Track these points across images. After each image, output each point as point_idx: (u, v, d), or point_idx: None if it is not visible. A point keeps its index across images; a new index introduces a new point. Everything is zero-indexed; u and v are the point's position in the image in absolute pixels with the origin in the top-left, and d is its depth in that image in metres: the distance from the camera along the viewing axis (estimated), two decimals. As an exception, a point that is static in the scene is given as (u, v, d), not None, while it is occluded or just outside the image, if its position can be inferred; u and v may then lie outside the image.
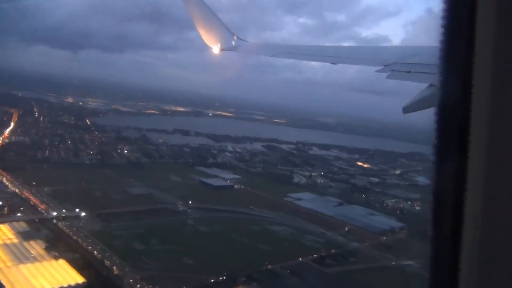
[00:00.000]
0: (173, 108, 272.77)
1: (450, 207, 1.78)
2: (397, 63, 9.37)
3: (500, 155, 1.61)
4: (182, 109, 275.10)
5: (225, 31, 14.63)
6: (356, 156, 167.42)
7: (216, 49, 13.78)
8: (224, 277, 54.48)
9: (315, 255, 66.32)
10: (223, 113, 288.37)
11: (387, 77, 8.90)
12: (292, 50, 14.07)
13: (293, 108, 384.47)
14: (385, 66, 9.35)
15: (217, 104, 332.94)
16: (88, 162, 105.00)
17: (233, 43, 14.34)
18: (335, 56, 12.40)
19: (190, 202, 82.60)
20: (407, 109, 7.67)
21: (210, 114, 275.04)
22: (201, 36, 14.18)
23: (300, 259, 64.68)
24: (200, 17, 14.82)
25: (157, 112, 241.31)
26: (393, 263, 67.15)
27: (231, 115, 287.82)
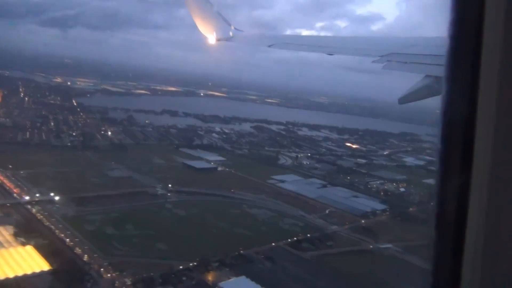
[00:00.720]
0: (164, 88, 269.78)
1: (454, 209, 1.82)
2: (393, 54, 9.51)
3: (506, 155, 1.62)
4: (173, 89, 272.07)
5: (222, 21, 14.57)
6: (346, 137, 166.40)
7: (212, 39, 13.74)
8: (195, 263, 53.72)
9: (292, 239, 65.69)
10: (215, 93, 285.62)
11: (384, 67, 9.08)
12: (288, 41, 14.21)
13: (288, 87, 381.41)
14: (381, 56, 9.51)
15: (210, 84, 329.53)
16: (69, 144, 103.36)
17: (230, 33, 14.30)
18: (331, 46, 12.67)
19: (170, 185, 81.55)
20: (403, 100, 7.82)
21: (202, 94, 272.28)
22: (197, 26, 14.18)
23: (276, 243, 64.04)
24: (197, 7, 14.95)
25: (147, 92, 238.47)
26: (370, 246, 66.62)
27: (223, 95, 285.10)
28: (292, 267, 57.19)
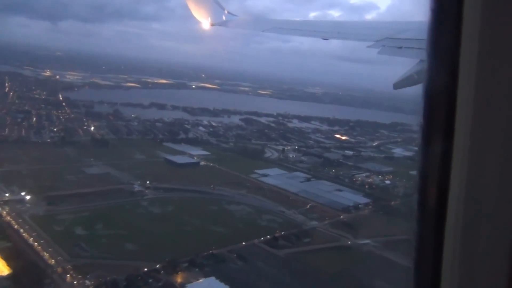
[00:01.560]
0: (156, 80, 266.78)
1: (436, 183, 1.83)
2: (388, 39, 9.39)
3: (484, 135, 1.65)
4: (165, 81, 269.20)
5: (215, 5, 14.40)
6: (336, 128, 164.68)
7: (206, 23, 13.64)
8: (163, 264, 52.18)
9: (268, 236, 64.19)
10: (208, 85, 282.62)
11: (379, 52, 8.95)
12: (283, 26, 14.13)
13: (281, 78, 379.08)
14: (376, 41, 9.39)
15: (203, 75, 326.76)
16: (49, 140, 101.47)
17: (224, 17, 14.21)
18: (326, 31, 12.51)
19: (148, 182, 79.82)
20: (397, 85, 7.67)
21: (194, 86, 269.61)
22: (192, 11, 13.99)
23: (252, 241, 62.54)
24: None
25: (138, 85, 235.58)
26: (349, 242, 65.21)
27: (216, 87, 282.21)
28: (265, 266, 55.69)
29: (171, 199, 74.71)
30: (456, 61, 1.67)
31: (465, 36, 1.65)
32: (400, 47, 8.82)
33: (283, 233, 65.80)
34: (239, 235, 63.56)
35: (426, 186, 1.88)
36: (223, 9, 14.48)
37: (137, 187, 77.90)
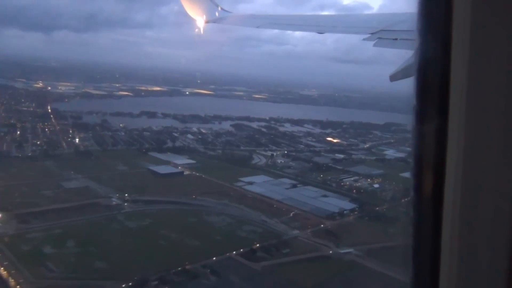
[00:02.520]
0: (150, 88, 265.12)
1: (431, 169, 1.81)
2: (383, 31, 9.38)
3: (478, 117, 1.63)
4: (158, 88, 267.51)
5: (209, 2, 14.39)
6: (329, 131, 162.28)
7: (200, 21, 13.54)
8: (131, 283, 50.21)
9: (246, 249, 62.10)
10: (202, 91, 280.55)
11: (374, 45, 8.96)
12: (277, 21, 14.02)
13: (278, 81, 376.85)
14: (371, 34, 9.38)
15: (199, 81, 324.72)
16: (30, 154, 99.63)
17: (217, 14, 14.15)
18: (321, 25, 12.37)
19: (126, 195, 77.90)
20: (394, 77, 7.54)
21: (187, 93, 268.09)
22: (185, 8, 13.93)
23: (228, 254, 60.49)
24: None
25: (130, 94, 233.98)
26: (330, 252, 63.04)
27: (210, 92, 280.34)
28: (239, 280, 53.72)
29: (149, 212, 72.76)
30: (449, 36, 1.61)
31: (456, 14, 1.59)
32: (396, 39, 8.79)
33: (261, 244, 63.72)
34: (215, 248, 61.46)
35: (422, 172, 1.83)
36: (217, 5, 14.39)
37: (115, 201, 75.97)
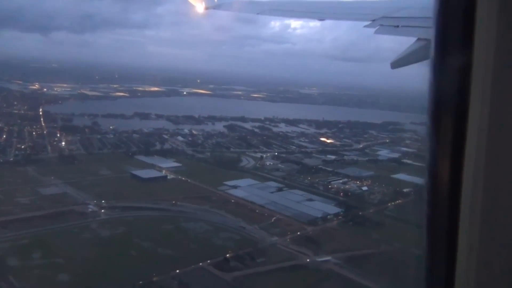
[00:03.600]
0: (147, 88, 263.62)
1: (448, 171, 1.75)
2: (385, 18, 9.36)
3: (501, 117, 1.56)
4: (156, 89, 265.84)
5: None
6: (323, 131, 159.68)
7: (200, 7, 13.45)
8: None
9: (219, 258, 59.84)
10: (200, 91, 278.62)
11: (376, 32, 8.98)
12: (278, 7, 13.93)
13: (277, 80, 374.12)
14: (373, 21, 9.36)
15: (198, 81, 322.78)
16: (11, 159, 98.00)
17: (215, 0, 14.15)
18: (322, 12, 12.27)
19: (103, 201, 75.91)
20: (395, 64, 7.54)
21: (185, 93, 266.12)
22: None
23: (201, 263, 58.27)
24: None
25: (126, 95, 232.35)
26: (307, 260, 60.56)
27: (209, 92, 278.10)
28: (207, 293, 51.47)
29: (124, 220, 70.69)
30: (472, 26, 1.53)
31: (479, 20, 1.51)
32: (397, 26, 8.71)
33: (236, 253, 61.42)
34: (188, 258, 59.22)
35: (438, 174, 1.77)
36: None
37: (91, 208, 73.93)
